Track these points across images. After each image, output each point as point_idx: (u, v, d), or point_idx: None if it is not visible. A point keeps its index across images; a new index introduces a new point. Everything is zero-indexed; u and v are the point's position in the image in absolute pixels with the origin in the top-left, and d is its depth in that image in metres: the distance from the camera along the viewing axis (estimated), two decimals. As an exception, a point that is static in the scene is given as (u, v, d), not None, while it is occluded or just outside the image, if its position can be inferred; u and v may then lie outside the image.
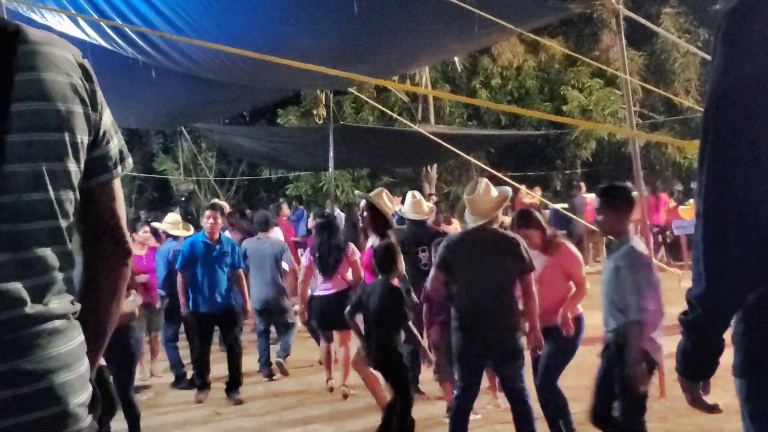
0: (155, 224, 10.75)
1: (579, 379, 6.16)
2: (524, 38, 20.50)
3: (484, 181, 5.86)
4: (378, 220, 7.15)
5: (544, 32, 19.81)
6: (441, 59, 18.37)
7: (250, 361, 9.11)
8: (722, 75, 1.81)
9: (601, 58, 21.45)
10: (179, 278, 8.52)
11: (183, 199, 27.21)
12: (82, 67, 1.89)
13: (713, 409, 2.04)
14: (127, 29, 8.04)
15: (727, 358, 1.93)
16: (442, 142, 11.41)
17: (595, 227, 12.99)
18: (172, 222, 9.81)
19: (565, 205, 18.37)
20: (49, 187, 1.73)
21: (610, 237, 5.69)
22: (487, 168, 10.64)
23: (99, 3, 7.71)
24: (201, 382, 8.52)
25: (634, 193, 5.71)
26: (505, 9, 8.37)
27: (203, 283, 8.43)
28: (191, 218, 22.87)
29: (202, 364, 8.59)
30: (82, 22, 8.17)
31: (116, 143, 1.95)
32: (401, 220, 8.69)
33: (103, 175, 1.90)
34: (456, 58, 20.44)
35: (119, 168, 1.95)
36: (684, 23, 22.38)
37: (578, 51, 20.24)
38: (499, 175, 11.12)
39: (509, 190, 5.98)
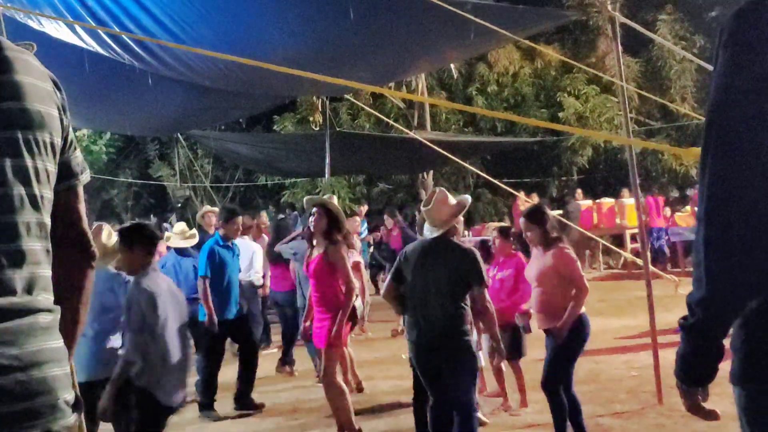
0: (168, 234, 10.57)
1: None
2: (520, 45, 20.54)
3: (442, 191, 5.79)
4: (331, 225, 6.65)
5: (540, 39, 19.90)
6: (437, 66, 18.39)
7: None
8: (727, 77, 1.81)
9: (597, 65, 21.51)
10: (203, 285, 8.07)
11: (179, 205, 27.20)
12: (51, 78, 1.98)
13: (712, 415, 2.02)
14: (124, 36, 8.04)
15: (725, 365, 1.93)
16: (438, 149, 11.41)
17: (591, 233, 13.07)
18: (179, 232, 9.61)
19: (560, 212, 18.38)
20: (34, 183, 1.81)
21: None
22: (483, 174, 10.63)
23: (96, 10, 7.71)
24: (208, 402, 8.07)
25: (631, 200, 5.72)
26: (502, 16, 8.38)
27: (227, 290, 8.27)
28: (186, 225, 22.81)
29: (213, 381, 8.15)
30: (78, 29, 8.16)
31: (79, 153, 2.06)
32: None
33: (70, 180, 2.00)
34: (452, 65, 20.50)
35: (82, 176, 2.05)
36: (680, 30, 22.45)
37: (574, 58, 20.29)
38: (495, 181, 11.13)
39: (468, 198, 5.91)
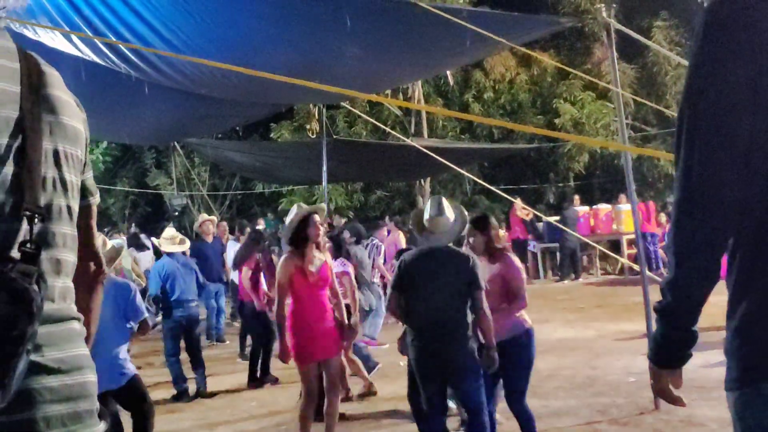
0: (154, 240, 10.76)
1: (571, 392, 6.15)
2: (516, 52, 20.60)
3: (445, 200, 5.82)
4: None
5: (536, 46, 19.96)
6: (433, 73, 18.43)
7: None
8: (699, 70, 1.85)
9: (592, 71, 21.58)
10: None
11: (176, 213, 27.21)
12: (72, 95, 2.00)
13: (678, 402, 2.07)
14: (121, 46, 8.06)
15: (720, 371, 1.94)
16: (435, 156, 11.42)
17: (588, 239, 13.09)
18: (169, 237, 9.82)
19: (557, 218, 18.43)
20: (70, 196, 1.86)
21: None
22: (480, 181, 10.63)
23: (92, 19, 7.72)
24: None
25: (627, 206, 5.76)
26: (497, 23, 8.41)
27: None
28: (184, 233, 22.83)
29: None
30: (75, 39, 8.18)
31: (91, 174, 2.11)
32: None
33: (88, 198, 2.05)
34: (448, 72, 20.54)
35: (96, 196, 2.11)
36: (675, 36, 22.52)
37: (570, 64, 20.35)
38: (493, 188, 11.14)
39: (466, 216, 5.92)
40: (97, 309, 2.10)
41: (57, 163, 1.80)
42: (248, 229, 14.58)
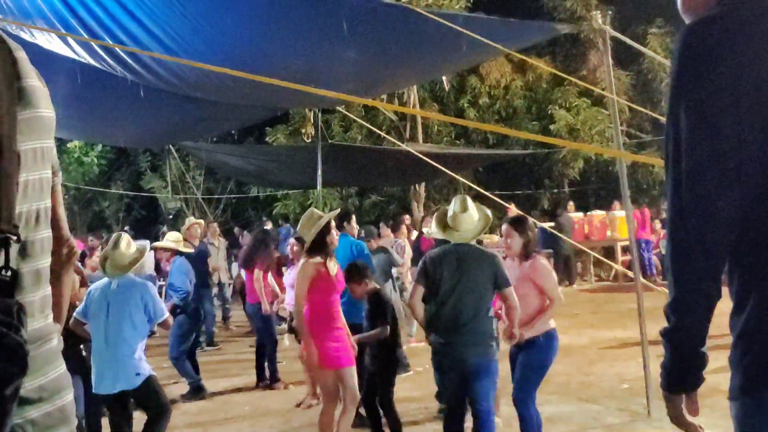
0: (157, 244, 10.77)
1: (564, 398, 6.15)
2: (512, 58, 20.63)
3: (469, 199, 5.88)
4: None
5: (531, 52, 19.94)
6: (429, 78, 18.44)
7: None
8: (679, 89, 1.86)
9: (588, 77, 21.61)
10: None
11: (170, 217, 27.16)
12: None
13: (694, 429, 2.04)
14: (117, 49, 8.05)
15: (714, 378, 1.94)
16: (430, 161, 11.42)
17: (583, 246, 13.10)
18: (175, 240, 9.90)
19: (551, 224, 18.43)
20: (46, 196, 1.74)
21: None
22: (475, 186, 10.65)
23: (88, 21, 7.71)
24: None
25: (621, 213, 5.80)
26: (493, 29, 8.42)
27: None
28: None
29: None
30: (71, 41, 8.16)
31: (55, 151, 1.89)
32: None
33: (54, 179, 1.86)
34: (444, 78, 20.56)
35: (59, 175, 1.90)
36: (670, 43, 22.51)
37: (565, 71, 20.38)
38: (487, 193, 11.14)
39: (489, 213, 5.97)
40: (67, 296, 1.97)
41: (35, 164, 1.68)
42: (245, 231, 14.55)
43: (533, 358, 5.72)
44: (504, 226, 6.03)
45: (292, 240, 9.06)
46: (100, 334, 5.98)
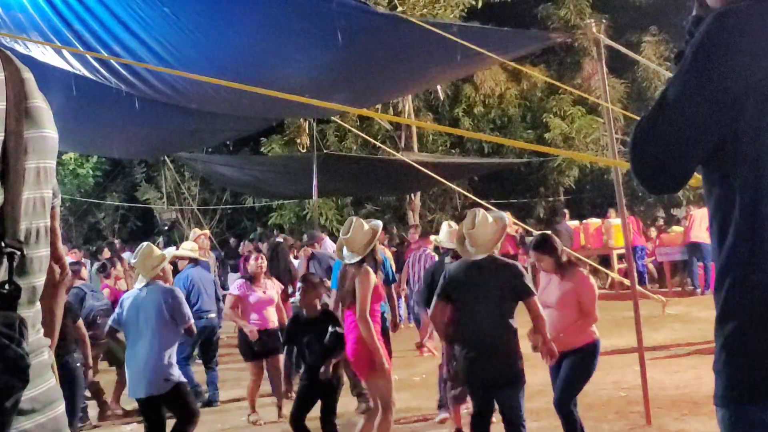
0: (175, 252, 10.71)
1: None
2: (506, 66, 20.63)
3: (481, 212, 5.92)
4: None
5: (526, 60, 19.96)
6: (424, 88, 18.47)
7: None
8: (690, 78, 1.85)
9: (582, 86, 21.62)
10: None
11: (166, 228, 27.14)
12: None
13: None
14: (112, 61, 8.05)
15: (710, 387, 1.93)
16: (426, 171, 11.44)
17: (579, 254, 13.07)
18: (189, 248, 9.98)
19: (548, 232, 18.40)
20: (47, 214, 1.77)
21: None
22: (470, 196, 10.67)
23: (83, 34, 7.72)
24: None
25: (617, 221, 5.85)
26: (488, 38, 8.44)
27: None
28: (175, 248, 22.77)
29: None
30: (66, 53, 8.17)
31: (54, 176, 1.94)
32: None
33: (54, 200, 1.89)
34: (438, 87, 20.58)
35: (58, 197, 1.95)
36: (665, 51, 22.58)
37: (560, 79, 20.41)
38: (483, 202, 11.14)
39: (505, 217, 6.06)
40: (60, 314, 2.00)
41: (37, 183, 1.70)
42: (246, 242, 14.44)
43: (577, 363, 5.84)
44: (531, 253, 6.22)
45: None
46: (132, 341, 6.21)
